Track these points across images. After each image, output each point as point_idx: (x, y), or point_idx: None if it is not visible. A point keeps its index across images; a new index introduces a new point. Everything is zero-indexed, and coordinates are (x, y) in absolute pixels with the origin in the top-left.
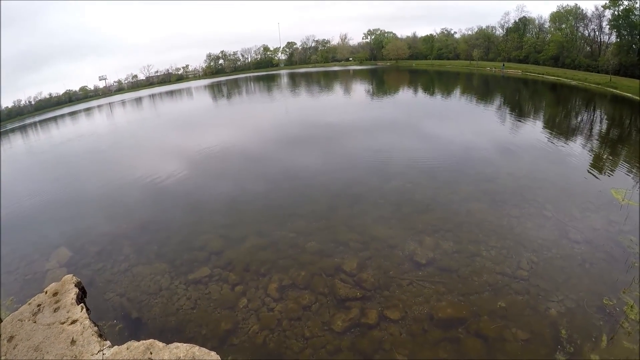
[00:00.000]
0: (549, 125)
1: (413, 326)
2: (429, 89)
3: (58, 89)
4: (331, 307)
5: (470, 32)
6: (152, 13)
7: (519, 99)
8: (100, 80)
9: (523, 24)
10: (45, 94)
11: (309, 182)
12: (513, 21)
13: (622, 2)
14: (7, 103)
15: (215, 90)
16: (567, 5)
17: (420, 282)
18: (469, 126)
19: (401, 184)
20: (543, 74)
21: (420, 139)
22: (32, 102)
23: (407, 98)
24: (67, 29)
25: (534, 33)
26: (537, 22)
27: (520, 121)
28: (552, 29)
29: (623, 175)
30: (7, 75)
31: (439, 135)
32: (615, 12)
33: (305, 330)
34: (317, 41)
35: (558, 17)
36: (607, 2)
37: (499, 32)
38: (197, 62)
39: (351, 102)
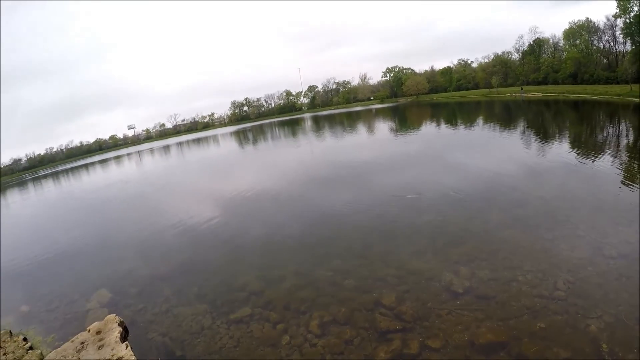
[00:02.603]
0: (575, 143)
1: (455, 353)
2: (452, 121)
3: (89, 138)
4: (373, 340)
5: (486, 60)
6: (179, 62)
7: (542, 120)
8: (129, 129)
9: (538, 46)
10: (76, 142)
11: (342, 220)
12: (528, 44)
13: (632, 9)
14: (40, 150)
15: (242, 136)
16: (579, 20)
17: (458, 311)
18: (495, 154)
19: (433, 217)
20: (563, 93)
21: (447, 171)
22: (64, 150)
23: (431, 132)
24: (99, 81)
25: (549, 53)
26: (551, 41)
27: (545, 143)
28: (567, 46)
29: None
30: (44, 124)
31: (466, 165)
32: (627, 20)
33: None
34: (337, 83)
35: (571, 33)
36: (617, 11)
37: (515, 56)
38: (223, 109)
39: (376, 140)
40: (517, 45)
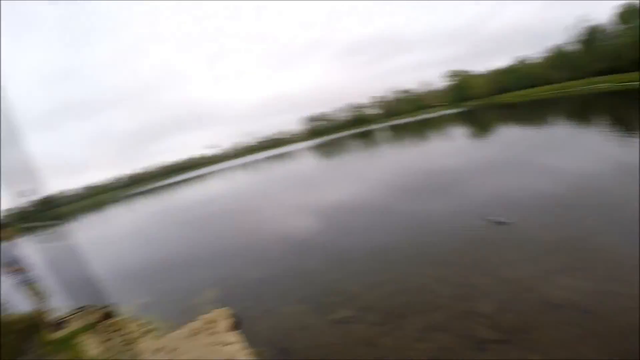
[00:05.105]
0: None
1: None
2: (529, 121)
3: (171, 158)
4: (467, 348)
5: (545, 55)
6: (252, 80)
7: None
8: (208, 148)
9: (594, 34)
10: (162, 162)
11: (432, 229)
12: (583, 33)
13: None
14: (134, 170)
15: (319, 151)
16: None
17: (559, 324)
18: (584, 153)
19: (523, 225)
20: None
21: (536, 175)
22: (152, 170)
23: (511, 134)
24: (180, 103)
25: (610, 40)
26: (608, 28)
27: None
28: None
29: None
30: (130, 147)
31: (558, 169)
32: None
33: None
34: (402, 91)
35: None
36: None
37: (575, 47)
38: (294, 126)
39: (455, 146)
40: (573, 36)
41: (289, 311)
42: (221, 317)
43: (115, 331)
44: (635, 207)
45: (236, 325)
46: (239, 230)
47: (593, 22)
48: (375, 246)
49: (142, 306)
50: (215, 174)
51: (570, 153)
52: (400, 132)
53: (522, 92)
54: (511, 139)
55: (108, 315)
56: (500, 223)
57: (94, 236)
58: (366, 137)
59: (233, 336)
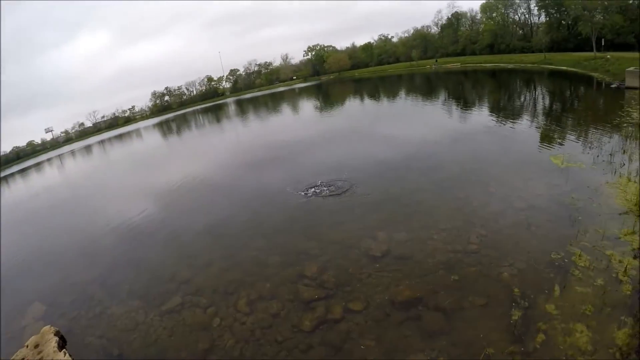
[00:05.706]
0: (494, 109)
1: (376, 313)
2: (374, 95)
3: (4, 147)
4: (298, 310)
5: (406, 35)
6: (94, 57)
7: (462, 89)
8: (46, 132)
9: (456, 19)
10: None
11: (267, 201)
12: (446, 18)
13: None
14: None
15: (165, 127)
16: None
17: (378, 273)
18: (417, 124)
19: (352, 188)
20: (481, 63)
21: (369, 143)
22: None
23: (354, 107)
24: (15, 84)
25: (467, 26)
26: (469, 15)
27: (466, 110)
28: (484, 19)
29: (562, 142)
30: None
31: (388, 136)
32: None
33: (277, 336)
34: (259, 65)
35: (488, 7)
36: None
37: (434, 30)
38: (143, 101)
39: (301, 119)
40: (436, 20)
41: (118, 312)
42: (47, 336)
43: None
44: (450, 168)
45: (64, 343)
46: (65, 226)
47: (459, 9)
48: (206, 224)
49: None
50: (55, 160)
51: (406, 124)
52: (251, 105)
53: (377, 67)
54: (354, 111)
55: None
56: (318, 193)
57: None
58: (218, 111)
59: (61, 356)
